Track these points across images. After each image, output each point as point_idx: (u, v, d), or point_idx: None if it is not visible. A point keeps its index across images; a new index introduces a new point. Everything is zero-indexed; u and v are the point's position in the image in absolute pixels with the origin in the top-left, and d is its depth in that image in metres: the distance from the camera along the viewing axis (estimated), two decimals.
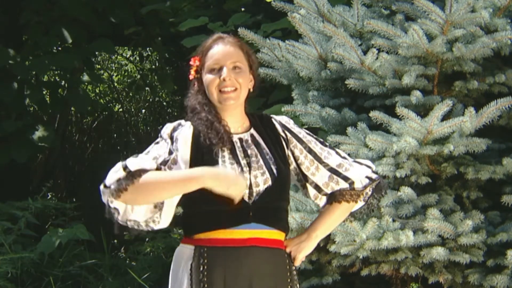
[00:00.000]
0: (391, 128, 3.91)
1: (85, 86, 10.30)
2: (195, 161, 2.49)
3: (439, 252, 3.77)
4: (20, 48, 7.95)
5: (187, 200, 2.52)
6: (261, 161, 2.54)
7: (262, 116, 2.70)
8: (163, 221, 2.55)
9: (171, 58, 10.14)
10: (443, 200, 3.96)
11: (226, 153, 2.52)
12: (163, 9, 7.74)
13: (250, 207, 2.48)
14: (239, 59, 2.57)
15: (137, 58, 11.26)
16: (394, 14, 4.40)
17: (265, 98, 5.96)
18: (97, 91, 11.71)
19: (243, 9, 7.41)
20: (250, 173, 2.50)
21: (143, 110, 11.74)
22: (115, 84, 11.97)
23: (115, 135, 11.01)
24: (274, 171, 2.53)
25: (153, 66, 11.54)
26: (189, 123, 2.56)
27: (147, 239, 7.22)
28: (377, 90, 4.18)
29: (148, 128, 11.27)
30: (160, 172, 2.44)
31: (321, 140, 2.70)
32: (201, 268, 2.46)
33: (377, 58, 4.14)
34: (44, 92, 8.58)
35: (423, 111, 4.05)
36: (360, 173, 2.68)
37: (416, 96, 4.01)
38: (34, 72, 7.92)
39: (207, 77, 2.56)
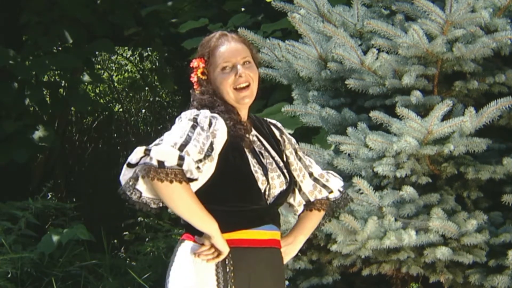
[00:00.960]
0: (391, 128, 3.91)
1: (85, 86, 10.29)
2: (226, 157, 2.44)
3: (443, 252, 3.76)
4: (20, 48, 7.95)
5: (210, 197, 2.45)
6: (274, 164, 2.55)
7: (260, 119, 2.70)
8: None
9: (171, 58, 10.14)
10: (445, 200, 3.96)
11: (247, 151, 2.51)
12: (163, 10, 7.74)
13: (268, 208, 2.51)
14: (247, 54, 2.57)
15: (137, 58, 11.25)
16: (394, 14, 4.40)
17: (265, 100, 5.96)
18: (97, 91, 11.72)
19: (243, 9, 7.41)
20: (267, 174, 2.51)
21: (143, 110, 11.75)
22: (115, 84, 11.96)
23: (115, 135, 11.01)
24: (287, 174, 2.57)
25: (153, 66, 11.54)
26: (219, 117, 2.47)
27: (147, 239, 7.23)
28: (377, 90, 4.18)
29: (148, 128, 11.27)
30: (190, 194, 2.35)
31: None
32: (228, 269, 2.44)
33: (377, 58, 4.14)
34: (44, 92, 8.58)
35: (423, 111, 4.05)
36: (337, 185, 2.79)
37: (416, 96, 4.01)
38: (34, 72, 7.91)
39: (219, 77, 2.53)
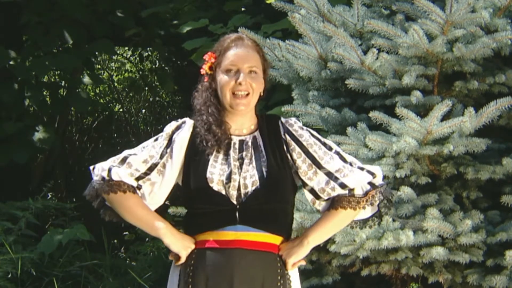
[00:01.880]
0: (391, 128, 3.91)
1: (85, 87, 10.30)
2: (189, 162, 2.55)
3: (439, 252, 3.77)
4: (20, 48, 7.94)
5: (183, 200, 2.58)
6: (253, 163, 2.53)
7: (271, 118, 2.69)
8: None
9: (171, 58, 10.13)
10: (443, 200, 3.96)
11: (221, 154, 2.54)
12: (163, 11, 7.74)
13: (237, 209, 2.49)
14: (256, 64, 2.58)
15: (137, 58, 11.25)
16: (394, 14, 4.41)
17: (266, 101, 5.96)
18: (97, 91, 11.71)
19: (243, 9, 7.41)
20: (240, 174, 2.50)
21: (143, 110, 11.74)
22: (115, 84, 11.96)
23: (115, 135, 11.00)
24: (264, 173, 2.51)
25: (154, 66, 11.53)
26: (191, 123, 2.60)
27: (147, 239, 7.22)
28: (377, 90, 4.18)
29: (148, 128, 11.27)
30: (135, 203, 2.53)
31: (329, 144, 2.64)
32: (188, 269, 2.50)
33: (377, 58, 4.14)
34: (44, 93, 8.58)
35: (423, 111, 4.06)
36: (359, 179, 2.60)
37: (416, 96, 4.01)
38: (34, 73, 7.91)
39: (222, 78, 2.56)
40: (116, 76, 12.33)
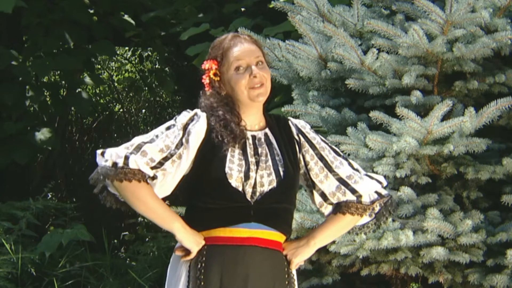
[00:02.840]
0: (391, 128, 3.91)
1: (86, 87, 10.30)
2: (203, 155, 2.49)
3: (439, 252, 3.77)
4: (21, 49, 7.95)
5: (190, 193, 2.52)
6: (269, 161, 2.53)
7: (279, 117, 2.69)
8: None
9: (171, 58, 10.14)
10: (443, 200, 3.97)
11: (237, 150, 2.51)
12: (163, 16, 7.73)
13: (252, 206, 2.48)
14: (259, 54, 2.59)
15: (137, 59, 11.26)
16: (394, 14, 4.41)
17: (266, 104, 5.95)
18: (97, 91, 11.71)
19: (243, 9, 7.41)
20: (256, 172, 2.50)
21: (143, 110, 11.74)
22: (115, 84, 11.96)
23: (115, 135, 11.00)
24: (281, 173, 2.52)
25: (154, 67, 11.54)
26: (205, 115, 2.54)
27: (147, 239, 7.23)
28: (377, 90, 4.18)
29: (148, 128, 11.26)
30: (149, 194, 2.45)
31: (336, 149, 2.68)
32: (199, 266, 2.47)
33: (377, 58, 4.14)
34: (44, 93, 8.58)
35: (423, 111, 4.06)
36: (369, 188, 2.64)
37: (416, 96, 4.01)
38: (34, 74, 7.92)
39: (234, 78, 2.54)
40: (116, 76, 12.33)
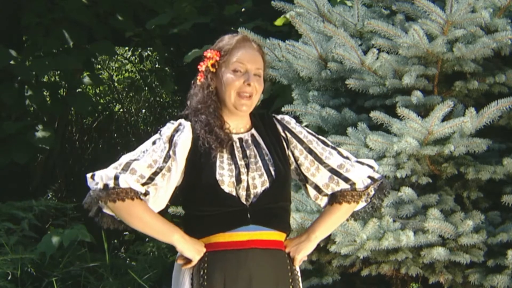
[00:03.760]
0: (391, 128, 3.91)
1: (85, 87, 10.30)
2: (192, 164, 2.50)
3: (439, 252, 3.77)
4: (21, 48, 7.95)
5: (185, 202, 2.54)
6: (259, 163, 2.54)
7: (264, 115, 2.69)
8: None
9: (171, 58, 10.13)
10: (444, 200, 3.96)
11: (225, 155, 2.52)
12: (165, 22, 7.71)
13: (248, 209, 2.49)
14: (261, 67, 2.58)
15: (137, 59, 11.25)
16: (394, 14, 4.41)
17: (267, 108, 5.94)
18: (97, 91, 11.71)
19: (243, 9, 7.40)
20: (248, 174, 2.50)
21: (143, 110, 11.74)
22: (115, 84, 11.96)
23: (115, 135, 11.00)
24: (272, 172, 2.53)
25: (154, 66, 11.53)
26: (189, 124, 2.54)
27: (147, 239, 7.22)
28: (378, 90, 4.18)
29: (148, 128, 11.26)
30: (144, 210, 2.47)
31: (323, 139, 2.68)
32: (202, 272, 2.48)
33: (377, 58, 4.14)
34: (44, 93, 8.58)
35: (423, 111, 4.05)
36: (361, 174, 2.66)
37: (416, 96, 4.01)
38: (34, 73, 7.92)
39: (228, 77, 2.54)
40: (116, 76, 12.33)
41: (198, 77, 2.59)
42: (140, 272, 6.09)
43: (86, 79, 8.51)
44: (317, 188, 2.66)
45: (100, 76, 10.64)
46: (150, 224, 2.48)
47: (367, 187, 2.67)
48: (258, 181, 2.51)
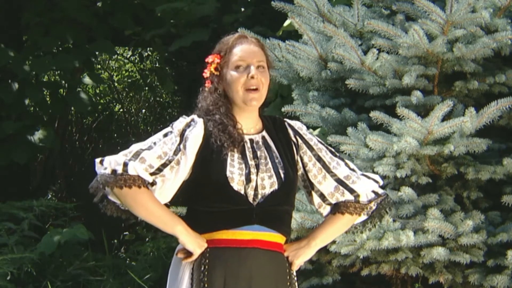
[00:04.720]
0: (391, 128, 3.91)
1: (85, 87, 10.30)
2: (202, 160, 2.50)
3: (439, 252, 3.77)
4: (21, 48, 7.94)
5: (191, 197, 2.54)
6: (269, 164, 2.54)
7: (276, 119, 2.69)
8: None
9: (171, 58, 10.14)
10: (444, 200, 3.96)
11: (236, 154, 2.52)
12: (166, 31, 7.72)
13: (254, 209, 2.49)
14: (263, 59, 2.58)
15: (137, 58, 11.25)
16: (394, 14, 4.41)
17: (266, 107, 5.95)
18: (97, 91, 11.71)
19: (243, 9, 7.41)
20: (257, 174, 2.51)
21: (143, 110, 11.74)
22: (115, 84, 11.96)
23: (115, 135, 11.00)
24: (282, 175, 2.54)
25: (154, 66, 11.53)
26: (202, 121, 2.55)
27: (147, 239, 7.22)
28: (378, 90, 4.18)
29: (148, 128, 11.26)
30: (150, 199, 2.46)
31: (331, 150, 2.70)
32: (202, 268, 2.48)
33: (377, 58, 4.14)
34: (44, 93, 8.58)
35: (423, 111, 4.05)
36: (366, 187, 2.68)
37: (416, 96, 4.01)
38: (34, 73, 7.92)
39: (232, 75, 2.54)
40: (116, 76, 12.32)
41: (206, 84, 2.60)
42: (140, 272, 6.10)
43: (86, 79, 8.50)
44: (322, 196, 2.67)
45: (100, 76, 10.64)
46: (154, 213, 2.47)
47: (370, 201, 2.69)
48: (267, 182, 2.52)
